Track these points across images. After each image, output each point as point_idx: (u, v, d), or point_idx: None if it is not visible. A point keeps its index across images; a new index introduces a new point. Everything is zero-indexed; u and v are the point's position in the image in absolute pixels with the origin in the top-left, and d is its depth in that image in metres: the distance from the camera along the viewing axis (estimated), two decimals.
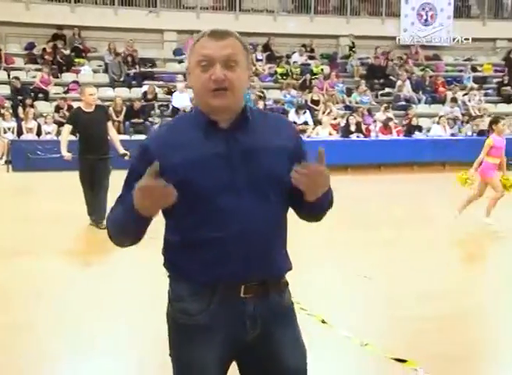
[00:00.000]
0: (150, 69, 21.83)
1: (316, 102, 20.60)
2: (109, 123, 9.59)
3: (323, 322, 5.73)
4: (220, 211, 2.31)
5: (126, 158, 9.75)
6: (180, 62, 22.47)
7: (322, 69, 22.43)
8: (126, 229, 2.36)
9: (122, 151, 9.54)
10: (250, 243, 2.32)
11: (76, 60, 21.37)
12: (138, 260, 7.64)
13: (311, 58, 23.03)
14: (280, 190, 2.37)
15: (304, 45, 23.13)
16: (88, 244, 8.95)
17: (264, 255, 2.36)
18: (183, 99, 20.10)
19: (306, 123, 19.42)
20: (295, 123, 19.28)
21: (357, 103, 21.18)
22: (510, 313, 6.04)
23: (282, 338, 2.43)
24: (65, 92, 19.82)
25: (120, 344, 5.15)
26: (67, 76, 20.72)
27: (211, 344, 2.38)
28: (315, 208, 2.45)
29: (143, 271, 7.07)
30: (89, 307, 5.88)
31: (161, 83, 21.29)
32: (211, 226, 2.32)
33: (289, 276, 2.50)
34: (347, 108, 20.83)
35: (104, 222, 9.12)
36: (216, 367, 2.40)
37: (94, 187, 9.24)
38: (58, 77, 20.69)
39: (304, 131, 18.81)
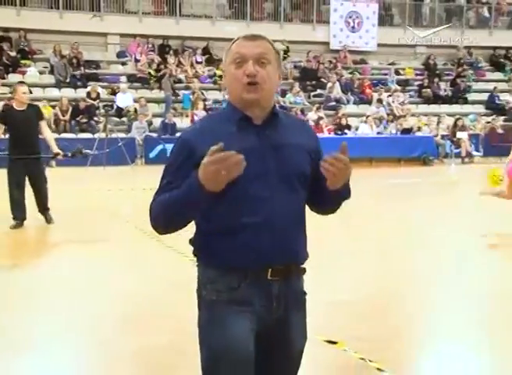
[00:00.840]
0: (94, 71, 21.54)
1: None
2: (42, 123, 9.17)
3: None
4: (252, 198, 2.36)
5: (59, 157, 9.51)
6: (123, 64, 22.27)
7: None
8: (184, 212, 2.37)
9: (55, 150, 9.23)
10: (277, 229, 2.38)
11: (22, 62, 20.94)
12: (62, 261, 7.58)
13: None
14: (303, 183, 2.47)
15: None
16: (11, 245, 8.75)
17: (289, 241, 2.43)
18: (126, 99, 19.95)
19: None
20: None
21: (291, 103, 21.31)
22: (427, 301, 6.18)
23: (296, 322, 2.52)
24: (12, 92, 19.36)
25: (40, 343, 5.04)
26: (13, 77, 20.14)
27: (244, 317, 2.40)
28: (334, 200, 2.54)
29: (64, 273, 6.96)
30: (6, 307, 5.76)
31: (105, 84, 21.03)
32: (242, 212, 2.35)
33: None
34: (282, 108, 20.84)
35: (50, 212, 9.03)
36: (251, 341, 2.41)
37: (33, 187, 9.01)
38: (4, 78, 20.20)
39: None
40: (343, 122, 20.04)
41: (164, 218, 2.42)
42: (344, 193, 2.50)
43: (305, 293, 2.58)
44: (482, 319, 5.70)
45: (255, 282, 2.40)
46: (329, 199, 2.52)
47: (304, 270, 2.56)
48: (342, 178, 2.36)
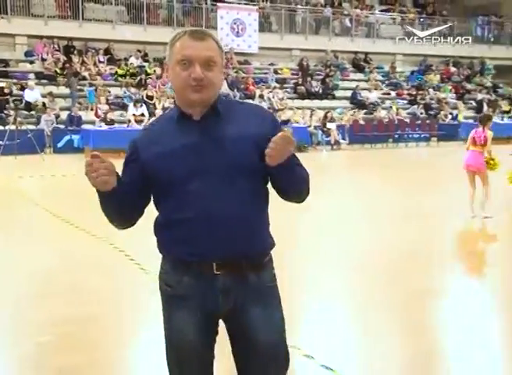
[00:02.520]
0: (4, 69, 20.49)
1: (150, 97, 20.30)
2: None
3: (144, 271, 5.68)
4: (189, 195, 2.14)
5: None
6: (31, 62, 21.32)
7: (155, 70, 22.08)
8: (104, 208, 2.22)
9: None
10: (215, 223, 2.13)
11: None
12: None
13: (145, 61, 22.63)
14: (249, 175, 2.16)
15: (139, 50, 22.66)
16: None
17: (231, 236, 2.15)
18: (33, 94, 19.25)
19: (143, 114, 19.13)
20: (134, 114, 19.01)
21: None
22: (306, 272, 6.28)
23: (255, 315, 2.23)
24: None
25: None
26: None
27: (186, 310, 2.22)
28: (287, 181, 2.21)
29: None
30: None
31: (14, 80, 20.04)
32: (181, 208, 2.15)
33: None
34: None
35: None
36: (191, 331, 2.23)
37: None
38: None
39: (141, 121, 18.64)
40: None
41: (105, 215, 2.27)
42: (292, 175, 2.20)
43: (270, 285, 2.29)
44: (355, 289, 5.87)
45: (198, 275, 2.19)
46: (282, 183, 2.23)
47: (264, 265, 2.27)
48: (281, 153, 2.08)
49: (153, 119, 2.42)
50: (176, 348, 2.28)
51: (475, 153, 9.02)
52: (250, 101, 21.96)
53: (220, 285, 2.19)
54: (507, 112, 26.06)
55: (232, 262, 2.18)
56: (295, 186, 2.28)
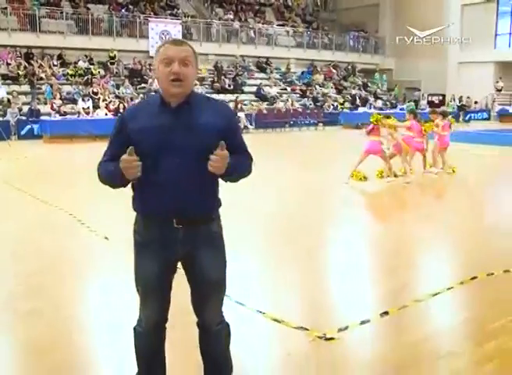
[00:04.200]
0: None
1: (96, 93, 19.62)
2: None
3: (94, 233, 5.62)
4: (158, 165, 2.18)
5: None
6: None
7: (99, 72, 21.38)
8: (115, 181, 2.25)
9: None
10: (176, 190, 2.18)
11: None
12: None
13: (91, 64, 21.81)
14: (207, 155, 2.14)
15: (85, 55, 21.80)
16: None
17: (188, 198, 2.20)
18: (0, 92, 18.29)
19: (89, 107, 18.52)
20: (82, 107, 18.35)
21: (123, 94, 20.53)
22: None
23: (206, 257, 2.30)
24: None
25: None
26: None
27: (149, 256, 2.28)
28: (230, 179, 2.31)
29: None
30: None
31: None
32: (150, 173, 2.18)
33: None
34: (117, 97, 20.15)
35: None
36: (153, 274, 2.29)
37: None
38: None
39: (88, 113, 18.05)
40: None
41: (102, 179, 2.29)
42: (233, 172, 2.24)
43: (216, 232, 2.35)
44: (262, 245, 5.96)
45: (160, 227, 2.24)
46: (228, 179, 2.32)
47: (213, 218, 2.34)
48: (220, 167, 2.16)
49: (137, 101, 2.48)
50: (141, 285, 2.35)
51: (374, 142, 9.15)
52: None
53: (180, 236, 2.24)
54: (341, 104, 25.65)
55: (188, 218, 2.23)
56: (237, 179, 2.36)
